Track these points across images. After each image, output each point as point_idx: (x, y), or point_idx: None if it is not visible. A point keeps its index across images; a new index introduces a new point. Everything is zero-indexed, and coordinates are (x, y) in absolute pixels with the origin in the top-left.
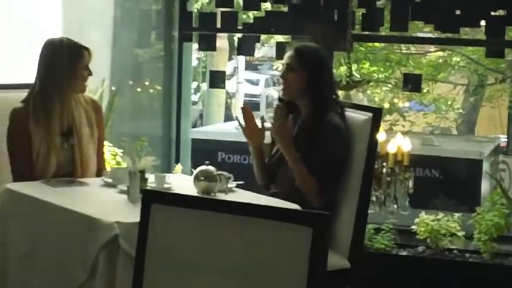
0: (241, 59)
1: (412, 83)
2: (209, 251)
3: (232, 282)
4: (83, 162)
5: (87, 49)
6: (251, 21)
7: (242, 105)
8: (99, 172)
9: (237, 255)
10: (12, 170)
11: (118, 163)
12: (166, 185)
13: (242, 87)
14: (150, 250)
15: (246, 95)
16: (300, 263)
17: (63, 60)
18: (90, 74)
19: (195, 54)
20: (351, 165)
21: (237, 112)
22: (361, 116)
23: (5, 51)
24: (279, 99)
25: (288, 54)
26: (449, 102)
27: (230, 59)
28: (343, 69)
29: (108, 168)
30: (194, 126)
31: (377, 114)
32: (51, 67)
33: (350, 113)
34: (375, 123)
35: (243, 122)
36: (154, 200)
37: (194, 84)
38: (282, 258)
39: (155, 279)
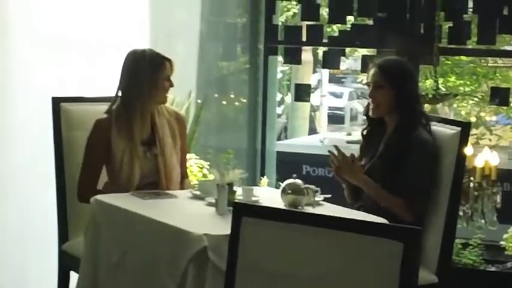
0: (325, 72)
1: (499, 97)
2: (297, 264)
3: None
4: (166, 171)
5: (169, 60)
6: (336, 34)
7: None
8: (182, 181)
9: (325, 268)
10: (80, 179)
11: (204, 175)
12: (254, 198)
13: (326, 100)
14: (240, 262)
15: (330, 108)
16: (390, 279)
17: (144, 71)
18: (171, 85)
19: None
20: (439, 180)
21: (321, 125)
22: (449, 131)
23: (94, 63)
24: (367, 117)
25: (372, 71)
26: None
27: (314, 71)
28: (428, 82)
29: (195, 181)
30: (279, 139)
31: (465, 128)
32: (132, 77)
33: (438, 127)
34: (463, 138)
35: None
36: (244, 213)
37: (278, 97)
38: (371, 273)
39: None
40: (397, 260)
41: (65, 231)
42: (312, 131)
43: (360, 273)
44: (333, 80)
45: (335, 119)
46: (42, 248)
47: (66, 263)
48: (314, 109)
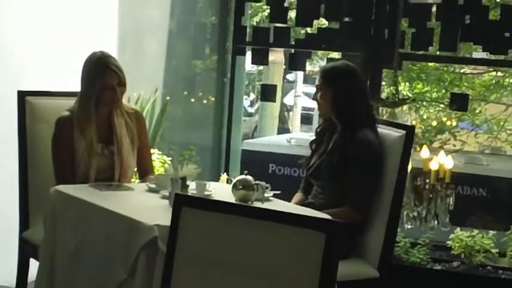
0: (300, 73)
1: (458, 103)
2: (231, 252)
3: (249, 280)
4: (122, 169)
5: (114, 70)
6: (302, 37)
7: None
8: (146, 176)
9: (255, 256)
10: (55, 173)
11: (166, 170)
12: (206, 192)
13: (299, 100)
14: (179, 249)
15: (304, 108)
16: (313, 266)
17: (88, 77)
18: (114, 95)
19: (253, 67)
20: (384, 179)
21: (294, 125)
22: (395, 133)
23: (62, 58)
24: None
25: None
26: (501, 123)
27: (288, 72)
28: (392, 87)
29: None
30: (250, 137)
31: (410, 132)
32: (82, 81)
33: (384, 130)
34: (407, 141)
35: None
36: (184, 204)
37: (252, 97)
38: (297, 261)
39: (183, 276)
40: (319, 249)
41: (26, 219)
42: (285, 130)
43: (287, 260)
44: (308, 80)
45: (308, 119)
46: (3, 236)
47: (27, 250)
48: (288, 109)
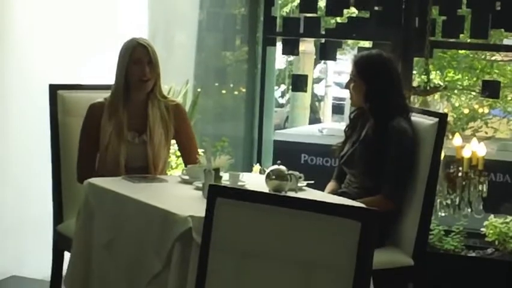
0: (331, 63)
1: (490, 90)
2: (267, 243)
3: (284, 270)
4: (154, 158)
5: (141, 45)
6: (333, 26)
7: None
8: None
9: (290, 246)
10: (78, 162)
11: (199, 161)
12: (240, 183)
13: (330, 90)
14: (214, 241)
15: (335, 98)
16: (348, 254)
17: (120, 58)
18: (142, 70)
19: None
20: (418, 168)
21: (325, 116)
22: (427, 121)
23: (94, 53)
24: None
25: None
26: None
27: (318, 62)
28: (423, 75)
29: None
30: (281, 128)
31: (443, 119)
32: (117, 66)
33: (417, 118)
34: (440, 128)
35: None
36: (218, 195)
37: (282, 87)
38: (332, 249)
39: (218, 267)
40: (355, 237)
41: (60, 213)
42: (317, 121)
43: (323, 250)
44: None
45: (339, 109)
46: (38, 229)
47: (61, 243)
48: (319, 99)
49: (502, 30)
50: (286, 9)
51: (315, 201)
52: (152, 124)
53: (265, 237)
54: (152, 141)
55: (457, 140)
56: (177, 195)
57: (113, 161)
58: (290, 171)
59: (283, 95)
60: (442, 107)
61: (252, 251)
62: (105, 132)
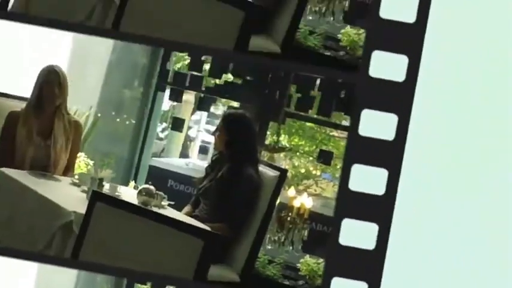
0: (205, 114)
1: (325, 158)
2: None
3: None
4: (55, 159)
5: (55, 70)
6: (213, 86)
7: None
8: (67, 170)
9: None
10: None
11: (88, 171)
12: (116, 193)
13: (201, 134)
14: (88, 235)
15: (203, 141)
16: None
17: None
18: (50, 90)
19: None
20: (257, 207)
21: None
22: (271, 173)
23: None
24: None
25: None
26: None
27: (195, 111)
28: (274, 136)
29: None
30: (157, 156)
31: (283, 173)
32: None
33: (264, 169)
34: (280, 180)
35: None
36: (99, 199)
37: (164, 125)
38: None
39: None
40: (197, 252)
41: None
42: (186, 156)
43: (169, 257)
44: (210, 121)
45: (205, 150)
46: None
47: None
48: (191, 139)
49: (342, 113)
50: (178, 65)
51: (171, 218)
52: (56, 134)
53: (129, 240)
54: (55, 146)
55: (291, 192)
56: (66, 193)
57: (20, 159)
58: (157, 192)
59: (163, 131)
60: (284, 164)
61: (116, 249)
62: (19, 135)
